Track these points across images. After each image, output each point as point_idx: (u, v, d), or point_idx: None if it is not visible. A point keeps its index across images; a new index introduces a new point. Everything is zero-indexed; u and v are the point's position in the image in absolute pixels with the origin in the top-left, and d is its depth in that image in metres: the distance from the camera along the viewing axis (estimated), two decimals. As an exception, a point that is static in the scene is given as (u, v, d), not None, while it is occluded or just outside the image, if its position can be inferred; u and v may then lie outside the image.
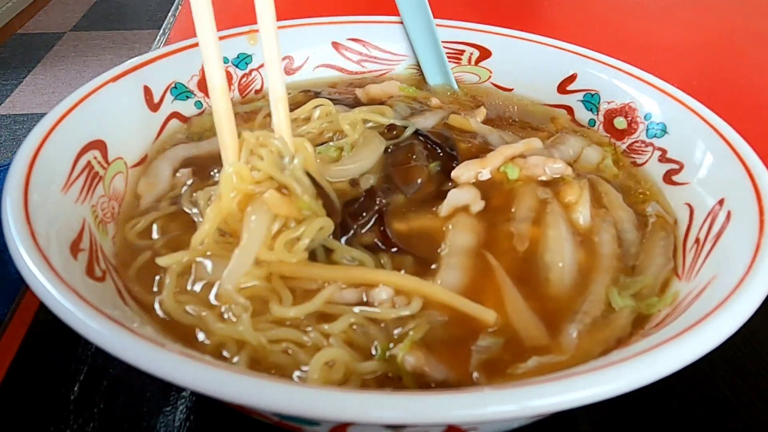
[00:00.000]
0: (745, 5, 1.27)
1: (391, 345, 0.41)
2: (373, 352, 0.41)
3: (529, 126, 0.66)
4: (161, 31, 1.05)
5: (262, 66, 0.69)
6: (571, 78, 0.67)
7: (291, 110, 0.63)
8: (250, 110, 0.65)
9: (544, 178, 0.56)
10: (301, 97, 0.67)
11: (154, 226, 0.49)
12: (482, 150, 0.59)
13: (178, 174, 0.54)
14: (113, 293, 0.41)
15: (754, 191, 0.44)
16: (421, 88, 0.73)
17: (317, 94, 0.67)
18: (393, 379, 0.39)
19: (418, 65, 0.75)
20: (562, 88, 0.68)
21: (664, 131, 0.58)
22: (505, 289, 0.45)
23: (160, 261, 0.44)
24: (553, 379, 0.29)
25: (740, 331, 0.33)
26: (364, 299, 0.43)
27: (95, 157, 0.49)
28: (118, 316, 0.33)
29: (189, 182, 0.54)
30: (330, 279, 0.44)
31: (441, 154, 0.57)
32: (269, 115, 0.63)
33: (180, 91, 0.62)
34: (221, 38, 0.65)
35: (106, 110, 0.52)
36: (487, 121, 0.65)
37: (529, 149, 0.58)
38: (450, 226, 0.50)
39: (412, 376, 0.39)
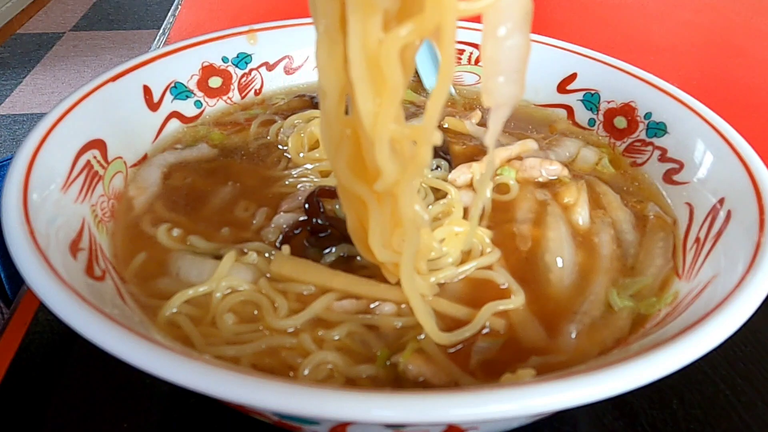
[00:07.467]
0: (744, 4, 1.27)
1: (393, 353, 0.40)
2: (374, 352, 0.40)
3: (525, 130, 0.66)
4: (161, 31, 1.05)
5: (261, 66, 0.69)
6: (571, 77, 0.67)
7: (286, 116, 0.63)
8: (246, 118, 0.65)
9: (541, 179, 0.56)
10: (296, 102, 0.66)
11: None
12: (478, 152, 0.59)
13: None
14: (113, 293, 0.41)
15: (754, 190, 0.44)
16: (418, 92, 0.73)
17: (312, 99, 0.67)
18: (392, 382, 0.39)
19: (416, 68, 0.74)
20: (562, 87, 0.67)
21: (664, 130, 0.58)
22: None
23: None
24: (553, 379, 0.29)
25: (740, 331, 0.33)
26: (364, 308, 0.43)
27: (95, 157, 0.49)
28: (117, 315, 0.33)
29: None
30: (330, 287, 0.44)
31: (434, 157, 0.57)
32: (265, 123, 0.63)
33: (179, 91, 0.62)
34: (221, 38, 0.66)
35: (105, 110, 0.52)
36: (482, 123, 0.65)
37: (524, 151, 0.58)
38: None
39: (413, 384, 0.39)
